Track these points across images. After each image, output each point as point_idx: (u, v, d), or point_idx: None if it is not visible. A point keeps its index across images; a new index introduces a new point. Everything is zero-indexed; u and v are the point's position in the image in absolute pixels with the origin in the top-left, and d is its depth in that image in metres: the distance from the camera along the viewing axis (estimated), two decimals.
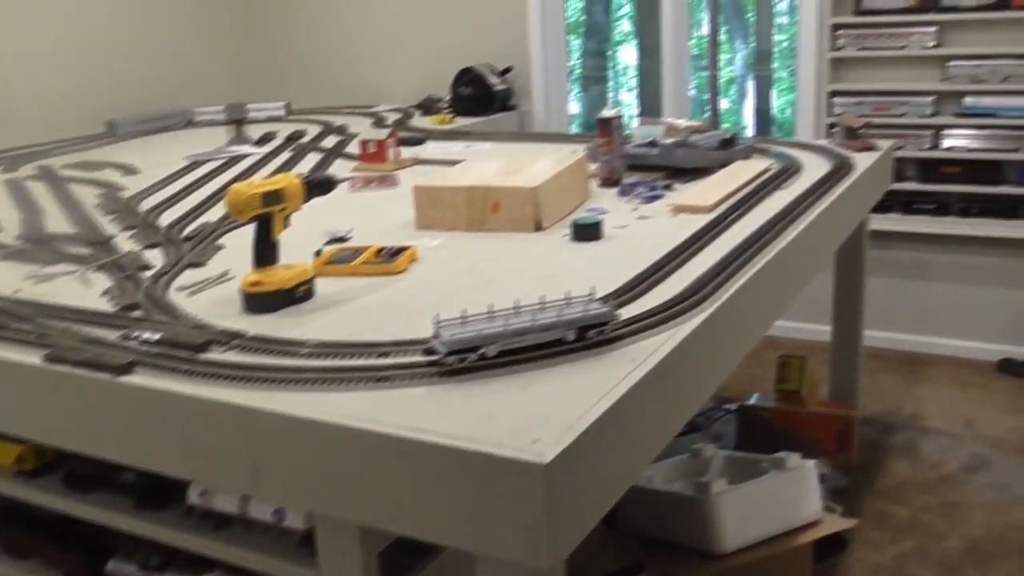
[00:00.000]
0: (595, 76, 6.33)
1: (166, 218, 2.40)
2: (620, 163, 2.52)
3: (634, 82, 6.27)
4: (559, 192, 2.21)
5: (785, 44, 5.71)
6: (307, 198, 1.71)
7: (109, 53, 4.15)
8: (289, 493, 1.33)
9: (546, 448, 1.12)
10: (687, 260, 1.81)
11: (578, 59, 6.08)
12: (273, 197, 1.65)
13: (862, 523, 2.61)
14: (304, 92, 4.58)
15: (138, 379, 1.41)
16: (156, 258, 2.03)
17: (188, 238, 2.18)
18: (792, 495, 2.35)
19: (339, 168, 2.95)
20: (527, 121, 4.23)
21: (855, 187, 2.48)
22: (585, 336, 1.41)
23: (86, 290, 1.84)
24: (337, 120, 3.86)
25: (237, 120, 3.63)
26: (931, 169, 3.62)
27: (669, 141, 2.66)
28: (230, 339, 1.50)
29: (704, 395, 1.66)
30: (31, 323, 1.64)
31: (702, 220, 2.08)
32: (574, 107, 5.40)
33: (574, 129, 4.73)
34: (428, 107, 4.13)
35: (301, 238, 1.81)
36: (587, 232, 2.02)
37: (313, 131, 3.63)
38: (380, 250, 1.91)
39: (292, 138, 3.51)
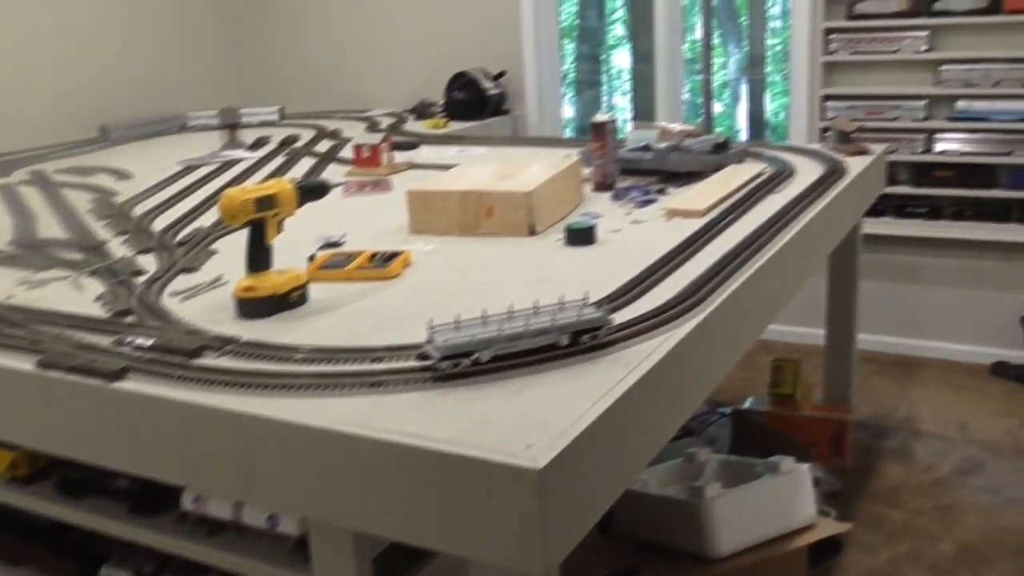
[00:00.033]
0: (589, 80, 6.34)
1: (159, 223, 2.40)
2: (614, 167, 2.52)
3: (628, 86, 6.28)
4: (553, 196, 2.21)
5: (778, 48, 5.73)
6: (300, 203, 1.71)
7: (102, 58, 4.15)
8: (283, 499, 1.33)
9: (540, 453, 1.12)
10: (681, 264, 1.81)
11: (572, 63, 6.10)
12: (266, 202, 1.65)
13: (856, 526, 2.61)
14: (298, 97, 4.58)
15: (131, 385, 1.41)
16: (149, 263, 2.02)
17: (181, 243, 2.18)
18: (786, 499, 2.35)
19: (333, 173, 2.94)
20: (521, 125, 4.23)
21: (848, 191, 2.49)
22: (579, 341, 1.41)
23: (79, 295, 1.84)
24: (331, 124, 3.86)
25: (230, 125, 3.63)
26: (924, 173, 3.63)
27: (663, 145, 2.66)
28: (223, 345, 1.49)
29: (698, 399, 1.66)
30: (23, 329, 1.64)
31: (696, 224, 2.08)
32: (568, 111, 5.41)
33: (568, 133, 4.74)
34: (422, 111, 4.14)
35: (295, 243, 1.81)
36: (581, 237, 2.02)
37: (307, 136, 3.63)
38: (374, 255, 1.91)
39: (286, 143, 3.50)
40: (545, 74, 4.27)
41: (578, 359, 1.39)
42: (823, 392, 3.19)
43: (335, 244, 2.07)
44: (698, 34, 4.66)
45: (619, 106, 6.31)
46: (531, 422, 1.20)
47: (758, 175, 2.50)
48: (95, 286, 1.88)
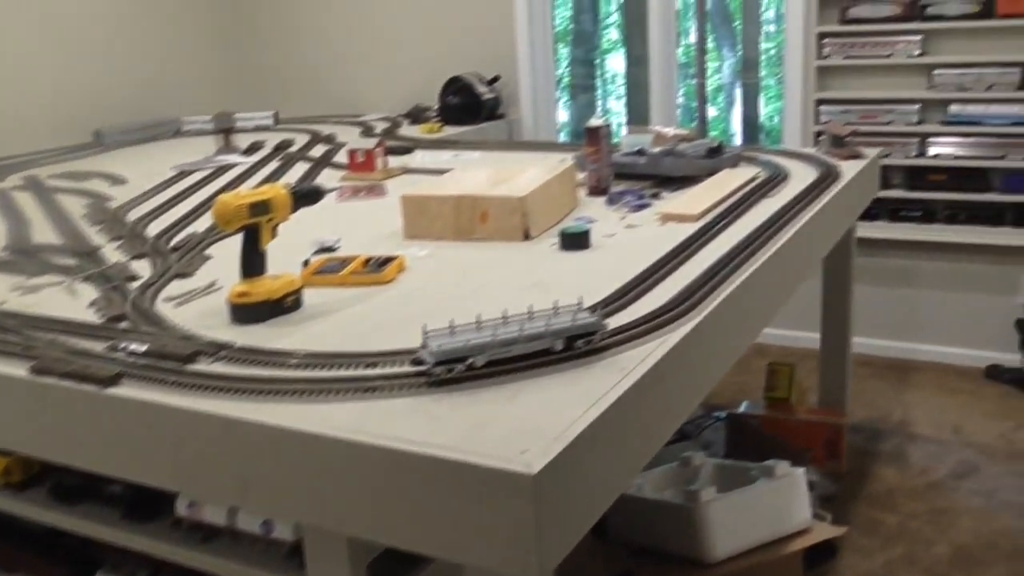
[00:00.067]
0: (583, 84, 6.34)
1: (153, 228, 2.40)
2: (608, 172, 2.53)
3: (622, 90, 6.29)
4: (547, 201, 2.21)
5: (772, 52, 5.74)
6: (294, 208, 1.71)
7: (96, 62, 4.14)
8: (277, 505, 1.33)
9: (534, 459, 1.12)
10: (675, 269, 1.82)
11: (566, 67, 6.10)
12: (260, 207, 1.65)
13: (851, 530, 2.61)
14: (292, 101, 4.58)
15: (125, 391, 1.40)
16: (143, 269, 2.02)
17: (176, 248, 2.18)
18: (782, 503, 2.35)
19: (327, 177, 2.94)
20: (515, 130, 4.23)
21: (842, 195, 2.50)
22: (573, 346, 1.41)
23: (73, 301, 1.83)
24: (325, 129, 3.86)
25: (225, 130, 3.63)
26: (917, 177, 3.64)
27: (657, 150, 2.67)
28: (218, 350, 1.49)
29: (693, 403, 1.66)
30: (17, 335, 1.64)
31: (690, 228, 2.09)
32: (563, 115, 5.41)
33: (563, 137, 4.74)
34: (416, 116, 4.14)
35: (289, 248, 1.80)
36: (575, 241, 2.02)
37: (301, 140, 3.63)
38: (368, 260, 1.91)
39: (280, 147, 3.50)
40: (539, 78, 4.27)
41: (573, 364, 1.39)
42: (818, 396, 3.19)
43: (329, 249, 2.07)
44: (692, 38, 4.68)
45: (614, 110, 6.31)
46: (526, 427, 1.20)
47: (752, 179, 2.50)
48: (89, 291, 1.88)
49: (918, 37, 3.52)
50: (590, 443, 1.21)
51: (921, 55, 3.53)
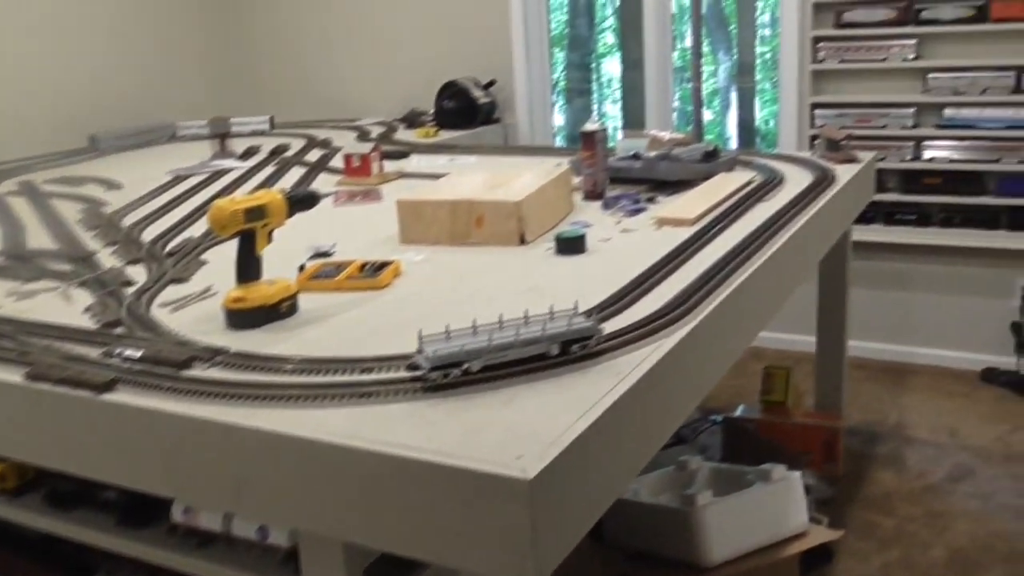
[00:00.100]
0: (579, 88, 6.35)
1: (149, 233, 2.39)
2: (603, 176, 2.53)
3: (618, 94, 6.29)
4: (543, 206, 2.21)
5: (768, 56, 5.75)
6: (290, 214, 1.71)
7: (92, 67, 4.14)
8: (273, 510, 1.33)
9: (530, 464, 1.11)
10: (671, 273, 1.82)
11: (562, 71, 6.10)
12: (256, 213, 1.65)
13: (848, 534, 2.61)
14: (288, 106, 4.58)
15: (120, 397, 1.40)
16: (139, 274, 2.02)
17: (171, 253, 2.18)
18: (778, 507, 2.36)
19: (323, 182, 2.94)
20: (511, 134, 4.24)
21: (837, 199, 2.50)
22: (569, 350, 1.41)
23: (68, 307, 1.83)
24: (321, 134, 3.86)
25: (221, 134, 3.63)
26: (913, 180, 3.64)
27: (652, 154, 2.67)
28: (213, 356, 1.49)
29: (689, 408, 1.66)
30: (12, 340, 1.63)
31: (685, 233, 2.09)
32: (558, 119, 5.41)
33: (559, 141, 4.74)
34: (412, 120, 4.14)
35: (284, 253, 1.80)
36: (571, 246, 2.02)
37: (297, 145, 3.63)
38: (364, 265, 1.90)
39: (276, 152, 3.50)
40: (535, 83, 4.28)
41: (568, 369, 1.39)
42: (814, 399, 3.19)
43: (325, 254, 2.07)
44: (688, 42, 4.67)
45: (609, 114, 6.32)
46: (521, 432, 1.20)
47: (747, 183, 2.51)
48: (84, 297, 1.88)
49: (913, 41, 3.53)
50: (586, 448, 1.21)
51: (916, 59, 3.54)
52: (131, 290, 1.89)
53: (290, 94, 4.71)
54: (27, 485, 1.78)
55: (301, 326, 1.64)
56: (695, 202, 2.33)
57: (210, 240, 2.19)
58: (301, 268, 1.92)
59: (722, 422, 3.03)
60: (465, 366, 1.34)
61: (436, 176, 2.66)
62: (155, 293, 1.87)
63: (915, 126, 3.58)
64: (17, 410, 1.51)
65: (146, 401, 1.38)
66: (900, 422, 3.37)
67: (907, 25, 3.52)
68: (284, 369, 1.44)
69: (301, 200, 1.75)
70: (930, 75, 3.52)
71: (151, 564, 1.64)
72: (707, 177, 2.58)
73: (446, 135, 3.86)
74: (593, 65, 6.38)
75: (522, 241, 2.11)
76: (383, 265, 1.90)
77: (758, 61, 5.93)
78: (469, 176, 2.47)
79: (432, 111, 4.11)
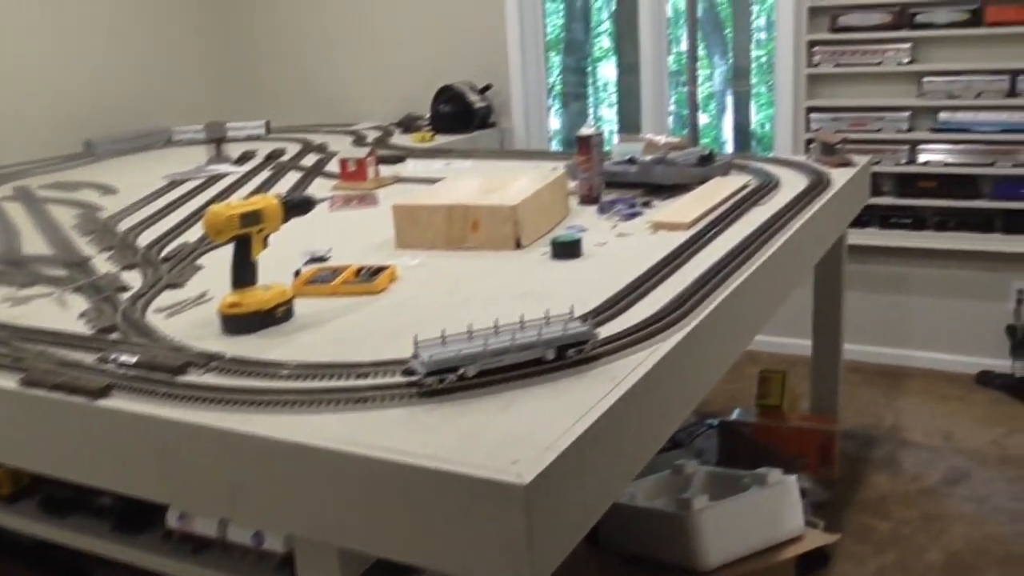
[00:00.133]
0: (575, 92, 6.36)
1: (144, 238, 2.39)
2: (599, 180, 2.53)
3: (614, 98, 6.30)
4: (539, 210, 2.21)
5: (763, 59, 5.76)
6: (285, 219, 1.71)
7: (87, 72, 4.13)
8: (268, 516, 1.32)
9: (526, 469, 1.11)
10: (666, 277, 1.82)
11: (558, 76, 6.11)
12: (251, 218, 1.65)
13: (844, 537, 2.61)
14: (284, 110, 4.58)
15: (115, 403, 1.40)
16: (134, 279, 2.02)
17: (166, 259, 2.17)
18: (774, 510, 2.36)
19: (319, 187, 2.94)
20: (507, 138, 4.24)
21: (833, 202, 2.50)
22: (565, 355, 1.41)
23: (63, 312, 1.83)
24: (317, 138, 3.86)
25: (216, 139, 3.63)
26: (908, 184, 3.65)
27: (648, 158, 2.67)
28: (208, 361, 1.49)
29: (685, 412, 1.66)
30: (7, 346, 1.63)
31: (681, 237, 2.09)
32: (554, 123, 5.42)
33: (555, 145, 4.75)
34: (408, 125, 4.14)
35: (280, 258, 1.80)
36: (567, 250, 2.02)
37: (293, 149, 3.63)
38: (359, 270, 1.90)
39: (272, 157, 3.50)
40: (531, 87, 4.28)
41: (564, 373, 1.39)
42: (810, 402, 3.20)
43: (320, 259, 2.07)
44: (683, 46, 4.69)
45: (605, 118, 6.33)
46: (517, 437, 1.20)
47: (743, 187, 2.51)
48: (79, 302, 1.87)
49: (908, 45, 3.54)
50: (582, 453, 1.21)
51: (911, 63, 3.55)
52: (126, 295, 1.89)
53: (287, 98, 4.72)
54: (22, 491, 1.78)
55: (297, 331, 1.64)
56: (691, 206, 2.33)
57: (206, 245, 2.19)
58: (297, 273, 1.92)
59: (718, 426, 3.04)
60: (461, 371, 1.34)
61: (432, 180, 2.67)
62: (150, 298, 1.87)
63: (910, 130, 3.59)
64: (12, 416, 1.51)
65: (141, 407, 1.37)
66: (896, 425, 3.37)
67: (902, 29, 3.53)
68: (280, 374, 1.43)
69: (297, 205, 1.75)
70: (925, 79, 3.53)
71: (146, 570, 1.64)
72: (703, 181, 2.58)
73: (442, 139, 3.86)
74: (589, 69, 6.39)
75: (518, 245, 2.11)
76: (379, 270, 1.90)
77: (754, 65, 5.95)
78: (465, 180, 2.47)
79: (428, 115, 4.11)
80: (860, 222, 3.50)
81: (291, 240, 1.87)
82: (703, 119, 6.13)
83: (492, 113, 4.18)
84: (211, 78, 4.72)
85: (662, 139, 2.90)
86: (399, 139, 3.89)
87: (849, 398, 3.41)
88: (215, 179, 3.16)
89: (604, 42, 6.48)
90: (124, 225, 2.55)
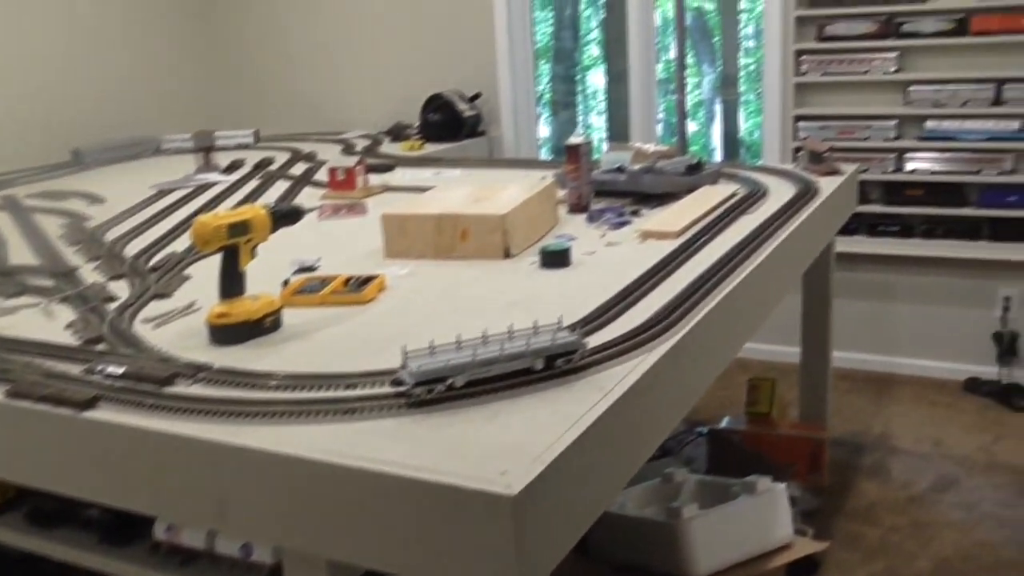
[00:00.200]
0: (564, 101, 6.37)
1: (132, 248, 2.38)
2: (588, 189, 2.53)
3: (603, 106, 6.31)
4: (528, 219, 2.21)
5: (752, 67, 5.78)
6: (274, 229, 1.71)
7: (75, 80, 4.12)
8: (256, 528, 1.32)
9: (514, 480, 1.11)
10: (655, 286, 1.82)
11: (547, 84, 6.12)
12: (239, 228, 1.64)
13: (833, 545, 2.62)
14: (273, 119, 4.57)
15: (102, 414, 1.39)
16: (121, 289, 2.01)
17: (154, 269, 2.17)
18: (763, 519, 2.36)
19: (308, 196, 2.94)
20: (496, 147, 4.24)
21: (821, 211, 2.51)
22: (554, 365, 1.41)
23: (49, 323, 1.82)
24: (306, 147, 3.85)
25: (205, 148, 3.61)
26: (895, 192, 3.67)
27: (637, 167, 2.68)
28: (196, 372, 1.48)
29: (674, 420, 1.67)
30: None
31: (670, 246, 2.09)
32: (544, 131, 5.43)
33: (544, 154, 4.75)
34: (397, 133, 4.14)
35: (268, 267, 1.80)
36: (556, 259, 2.02)
37: (282, 158, 3.62)
38: (348, 279, 1.90)
39: (260, 166, 3.49)
40: (520, 95, 4.29)
41: (553, 383, 1.39)
42: (799, 410, 3.20)
43: (309, 269, 2.06)
44: (672, 54, 4.70)
45: (595, 126, 6.34)
46: (506, 448, 1.20)
47: (731, 196, 2.52)
48: (66, 313, 1.86)
49: (894, 54, 3.56)
50: (571, 463, 1.21)
51: (897, 72, 3.57)
52: (113, 306, 1.88)
53: (275, 108, 4.71)
54: (9, 504, 1.76)
55: (285, 341, 1.64)
56: (679, 215, 2.34)
57: (194, 255, 2.18)
58: (285, 283, 1.91)
59: (707, 434, 3.04)
60: (449, 381, 1.34)
61: (421, 189, 2.66)
62: (138, 309, 1.86)
63: (897, 138, 3.61)
64: None
65: (128, 418, 1.37)
66: (884, 432, 3.38)
67: (888, 38, 3.55)
68: (268, 385, 1.43)
69: (285, 215, 1.74)
70: (911, 87, 3.55)
71: None
72: (691, 190, 2.59)
73: (431, 148, 3.86)
74: (578, 77, 6.40)
75: (507, 255, 2.11)
76: (367, 280, 1.89)
77: (742, 73, 5.97)
78: (454, 189, 2.48)
79: (417, 124, 4.11)
80: (848, 230, 3.51)
81: (279, 250, 1.87)
82: (692, 127, 6.14)
83: (481, 121, 4.18)
84: (200, 87, 4.71)
85: (651, 147, 2.91)
86: (388, 148, 3.89)
87: (838, 405, 3.42)
88: (203, 188, 3.15)
89: (593, 51, 6.49)
90: (112, 235, 2.55)
